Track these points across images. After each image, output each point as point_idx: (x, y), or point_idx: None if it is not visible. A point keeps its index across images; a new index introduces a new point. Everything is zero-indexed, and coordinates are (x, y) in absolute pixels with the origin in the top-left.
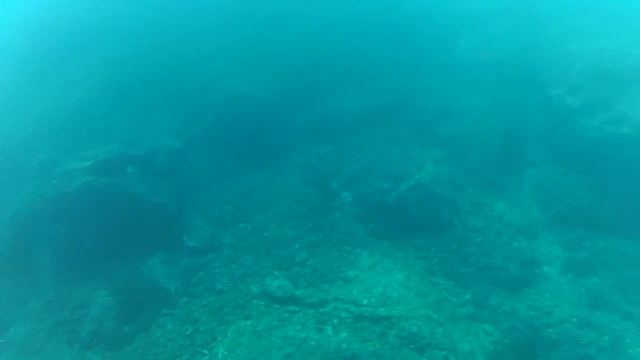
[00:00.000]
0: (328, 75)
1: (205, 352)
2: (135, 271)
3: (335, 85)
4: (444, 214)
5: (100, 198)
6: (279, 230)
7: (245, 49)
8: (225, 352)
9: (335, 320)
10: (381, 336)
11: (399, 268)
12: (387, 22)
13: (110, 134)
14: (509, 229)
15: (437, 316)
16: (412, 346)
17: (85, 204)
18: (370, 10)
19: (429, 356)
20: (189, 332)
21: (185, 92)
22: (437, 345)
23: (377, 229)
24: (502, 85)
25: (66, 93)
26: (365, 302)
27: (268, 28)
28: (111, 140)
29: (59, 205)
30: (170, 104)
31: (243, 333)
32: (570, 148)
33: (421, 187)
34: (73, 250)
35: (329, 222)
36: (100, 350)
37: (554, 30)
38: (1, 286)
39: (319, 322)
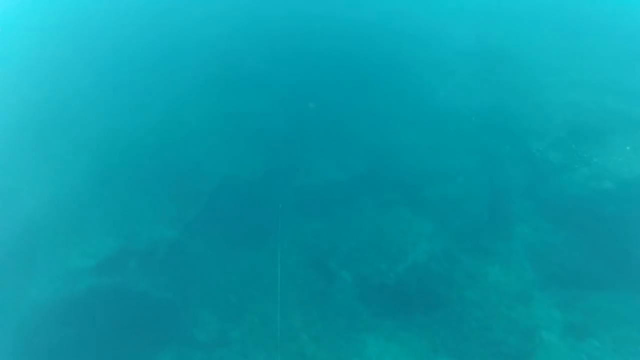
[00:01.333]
0: (309, 142)
1: None
2: None
3: (318, 153)
4: (442, 290)
5: (107, 299)
6: (285, 320)
7: (225, 126)
8: None
9: None
10: None
11: (404, 354)
12: (361, 72)
13: (107, 225)
14: (506, 297)
15: None
16: None
17: (92, 306)
18: (343, 63)
19: None
20: None
21: (175, 175)
22: None
23: (379, 310)
24: (484, 139)
25: (58, 177)
26: None
27: (242, 100)
28: (109, 232)
29: (66, 310)
30: (161, 187)
31: None
32: (556, 204)
33: (418, 267)
34: (84, 354)
35: (332, 308)
36: None
37: (527, 75)
38: None
39: None
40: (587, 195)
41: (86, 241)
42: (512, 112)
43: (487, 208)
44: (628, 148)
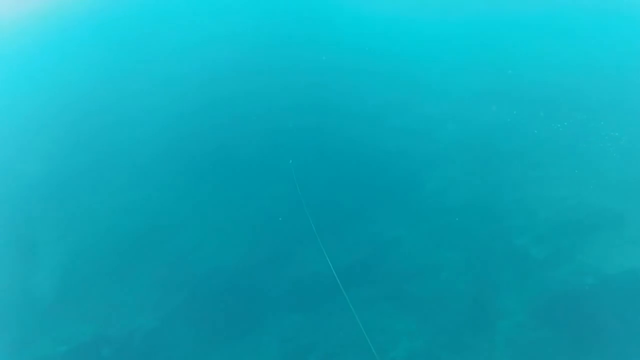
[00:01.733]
0: (297, 234)
1: None
2: None
3: (305, 246)
4: None
5: None
6: None
7: (216, 217)
8: None
9: None
10: None
11: None
12: (349, 165)
13: (85, 310)
14: None
15: None
16: None
17: None
18: (332, 156)
19: None
20: None
21: (161, 263)
22: None
23: None
24: (468, 233)
25: (40, 256)
26: None
27: (234, 191)
28: (86, 317)
29: None
30: (145, 275)
31: None
32: (540, 301)
33: None
34: None
35: None
36: None
37: (513, 169)
38: None
39: None
40: (569, 291)
41: (61, 326)
42: (497, 207)
43: (470, 304)
44: (610, 243)
